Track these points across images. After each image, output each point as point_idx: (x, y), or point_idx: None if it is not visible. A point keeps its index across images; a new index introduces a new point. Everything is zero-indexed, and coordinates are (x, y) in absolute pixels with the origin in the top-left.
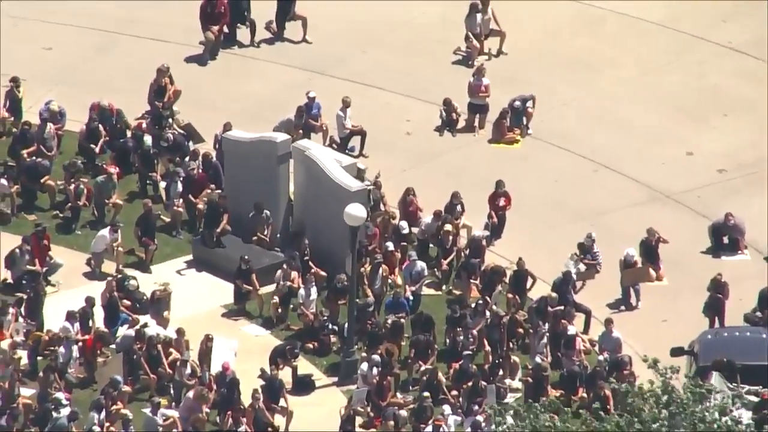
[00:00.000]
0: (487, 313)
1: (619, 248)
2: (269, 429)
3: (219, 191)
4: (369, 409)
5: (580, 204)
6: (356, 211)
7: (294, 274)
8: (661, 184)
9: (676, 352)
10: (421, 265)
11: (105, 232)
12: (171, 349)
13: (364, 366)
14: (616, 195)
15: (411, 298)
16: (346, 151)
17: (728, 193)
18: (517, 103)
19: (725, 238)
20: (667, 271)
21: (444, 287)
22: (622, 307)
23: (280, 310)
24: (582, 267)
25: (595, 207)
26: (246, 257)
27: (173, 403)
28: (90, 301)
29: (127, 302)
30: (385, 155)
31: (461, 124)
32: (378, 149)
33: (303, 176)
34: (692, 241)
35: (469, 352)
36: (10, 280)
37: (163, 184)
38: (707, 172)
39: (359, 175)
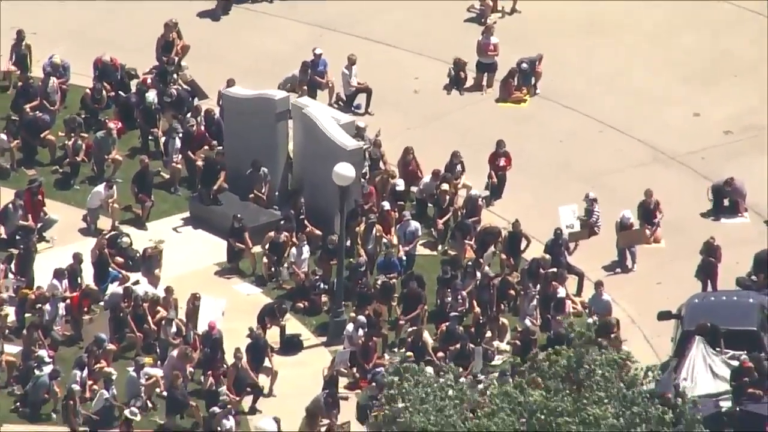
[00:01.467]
0: (479, 274)
1: (620, 209)
2: (250, 389)
3: (219, 148)
4: (354, 370)
5: (584, 165)
6: (345, 170)
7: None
8: (666, 146)
9: (664, 315)
10: (415, 224)
11: (100, 188)
12: (159, 308)
13: (350, 327)
14: (620, 156)
15: (404, 258)
16: (352, 109)
17: (733, 156)
18: (524, 65)
19: (726, 200)
20: (665, 234)
21: (440, 247)
22: (618, 270)
23: (273, 269)
24: (577, 224)
25: (599, 168)
26: (239, 216)
27: (159, 362)
28: (78, 258)
29: (119, 259)
30: (391, 113)
31: (470, 82)
32: (384, 107)
33: (301, 134)
34: (693, 204)
35: (457, 314)
36: (3, 236)
37: (164, 140)
38: (713, 134)
39: (359, 133)
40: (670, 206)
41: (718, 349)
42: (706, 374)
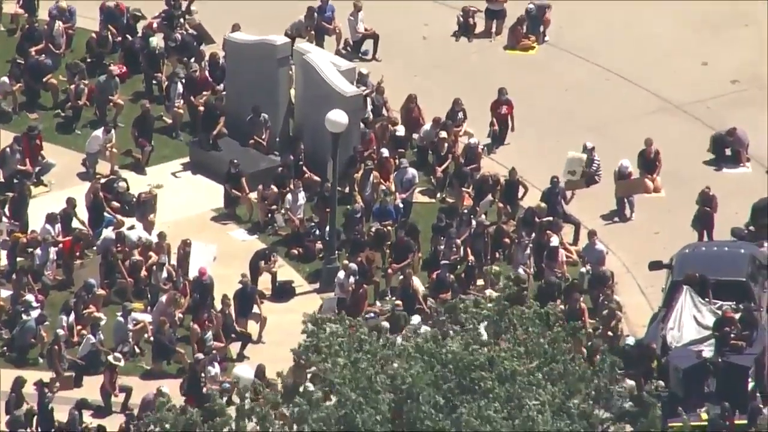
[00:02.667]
0: (474, 223)
1: (626, 157)
2: (237, 335)
3: (223, 93)
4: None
5: (589, 113)
6: (337, 117)
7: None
8: (672, 95)
9: (654, 265)
10: (412, 172)
11: (98, 132)
12: (151, 253)
13: (341, 274)
14: (626, 105)
15: (401, 205)
16: (360, 55)
17: (739, 105)
18: (530, 5)
19: (728, 150)
20: (665, 183)
21: (438, 195)
22: (616, 219)
23: (269, 216)
24: (579, 171)
25: (604, 117)
26: (235, 161)
27: (149, 308)
28: (71, 203)
29: (116, 204)
30: (398, 60)
31: (479, 29)
32: (393, 54)
33: (302, 80)
34: (695, 153)
35: (447, 262)
36: (0, 179)
37: (167, 85)
38: (720, 83)
39: (362, 79)
40: (672, 156)
41: (706, 299)
42: (692, 324)
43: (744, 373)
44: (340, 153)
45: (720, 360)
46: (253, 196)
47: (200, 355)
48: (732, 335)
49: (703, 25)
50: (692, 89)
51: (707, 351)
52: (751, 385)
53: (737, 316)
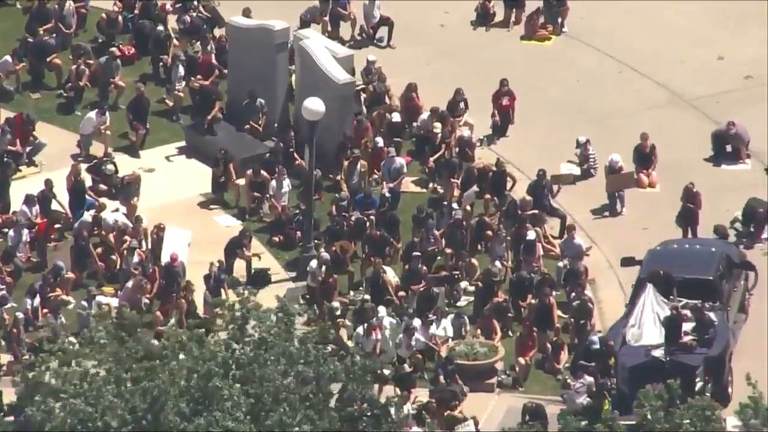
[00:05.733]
0: (458, 214)
1: (624, 151)
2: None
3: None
4: (315, 306)
5: (596, 105)
6: (314, 105)
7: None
8: (683, 88)
9: (627, 262)
10: (399, 161)
11: (92, 114)
12: (126, 237)
13: (314, 263)
14: (635, 98)
15: (388, 194)
16: (375, 41)
17: (750, 101)
18: None
19: (728, 146)
20: (664, 178)
21: (430, 185)
22: (606, 213)
23: (255, 203)
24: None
25: (611, 109)
26: (222, 151)
27: (120, 292)
28: (48, 184)
29: (103, 187)
30: (413, 47)
31: (499, 18)
32: (408, 41)
33: (300, 66)
34: (696, 148)
35: (419, 253)
36: None
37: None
38: (733, 78)
39: (368, 66)
40: (673, 150)
41: (671, 297)
42: (652, 323)
43: (691, 373)
44: (333, 141)
45: (668, 359)
46: (241, 182)
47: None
48: (686, 334)
49: (726, 19)
50: (704, 84)
51: (659, 350)
52: (699, 385)
53: (691, 314)
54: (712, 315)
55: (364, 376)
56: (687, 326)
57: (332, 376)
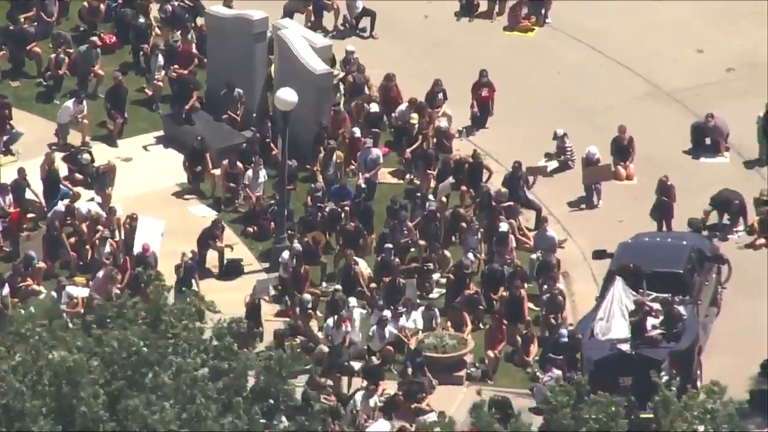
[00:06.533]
0: (432, 205)
1: (604, 144)
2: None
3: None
4: (286, 298)
5: (577, 98)
6: (286, 95)
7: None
8: (665, 81)
9: (598, 254)
10: (376, 152)
11: (69, 103)
12: (99, 227)
13: (286, 254)
14: (616, 90)
15: (364, 185)
16: (357, 32)
17: (730, 94)
18: None
19: (707, 139)
20: (642, 171)
21: (407, 176)
22: (583, 206)
23: (230, 194)
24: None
25: (591, 101)
26: (199, 137)
27: (91, 282)
28: (22, 173)
29: (79, 176)
30: (396, 38)
31: (483, 9)
32: (392, 31)
33: (278, 56)
34: (675, 141)
35: (390, 246)
36: None
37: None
38: (715, 71)
39: (347, 56)
40: (652, 143)
41: (640, 290)
42: (621, 316)
43: (656, 367)
44: (310, 131)
45: (633, 353)
46: (217, 172)
47: None
48: (654, 328)
49: (709, 12)
50: (686, 76)
51: (625, 344)
52: (664, 379)
53: (658, 308)
54: (681, 309)
55: (279, 370)
56: (656, 320)
57: (245, 370)
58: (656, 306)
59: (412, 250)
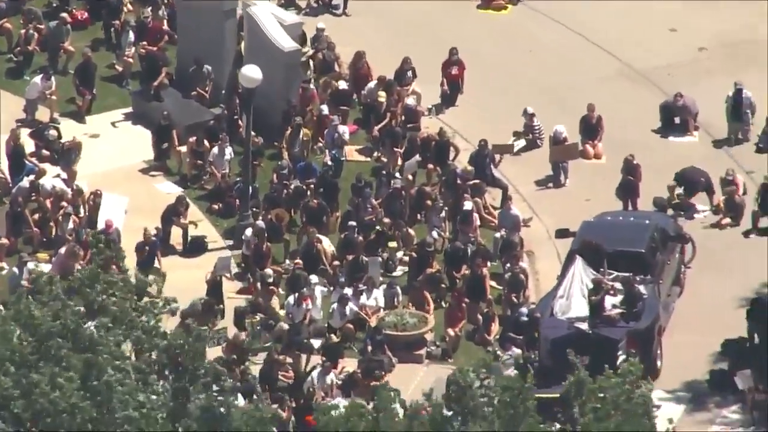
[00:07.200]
0: (397, 183)
1: (575, 123)
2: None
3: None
4: (249, 275)
5: (549, 76)
6: (251, 72)
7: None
8: (635, 60)
9: (561, 233)
10: (343, 129)
11: (37, 79)
12: (64, 203)
13: (249, 231)
14: (586, 68)
15: (330, 162)
16: (330, 9)
17: (702, 73)
18: None
19: (676, 118)
20: (611, 150)
21: (375, 154)
22: (550, 184)
23: (196, 171)
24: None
25: (563, 80)
26: (165, 113)
27: (53, 259)
28: None
29: (46, 152)
30: (369, 15)
31: None
32: (364, 9)
33: (248, 33)
34: (645, 120)
35: (353, 223)
36: None
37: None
38: (688, 50)
39: (317, 34)
40: (621, 122)
41: (601, 269)
42: (581, 295)
43: (613, 347)
44: (279, 108)
45: (590, 332)
46: (184, 149)
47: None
48: (614, 307)
49: None
50: (658, 56)
51: (583, 323)
52: (621, 358)
53: (618, 287)
54: (642, 288)
55: (198, 348)
56: (615, 299)
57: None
58: (616, 285)
59: (378, 228)
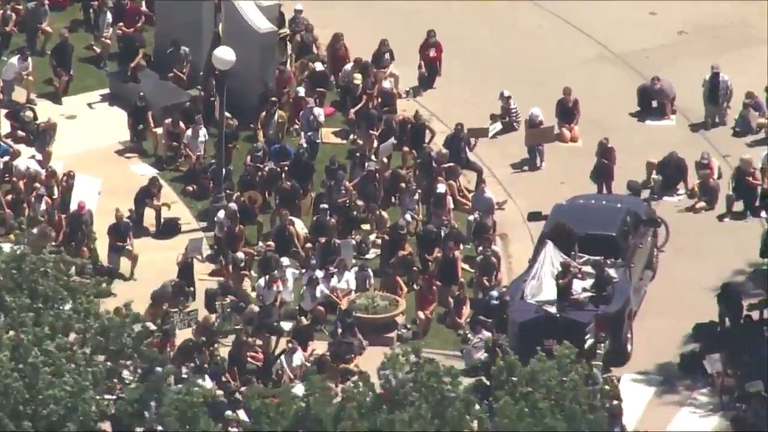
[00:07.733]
0: (371, 166)
1: (552, 107)
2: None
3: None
4: (221, 257)
5: (529, 59)
6: (224, 54)
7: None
8: (615, 43)
9: (533, 216)
10: (318, 111)
11: (14, 59)
12: (37, 184)
13: (221, 213)
14: (567, 52)
15: (305, 145)
16: None
17: (680, 56)
18: None
19: (653, 102)
20: (588, 133)
21: (351, 137)
22: (525, 167)
23: (172, 152)
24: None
25: (542, 63)
26: (141, 94)
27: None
28: None
29: (22, 133)
30: None
31: None
32: None
33: (225, 15)
34: (623, 103)
35: (325, 206)
36: None
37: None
38: (667, 33)
39: (295, 15)
40: (599, 105)
41: (572, 253)
42: (551, 278)
43: (581, 330)
44: (255, 90)
45: (558, 315)
46: (159, 130)
47: None
48: (585, 291)
49: None
50: (637, 39)
51: (552, 306)
52: (589, 342)
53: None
54: (612, 272)
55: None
56: (584, 282)
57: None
58: (585, 268)
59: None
